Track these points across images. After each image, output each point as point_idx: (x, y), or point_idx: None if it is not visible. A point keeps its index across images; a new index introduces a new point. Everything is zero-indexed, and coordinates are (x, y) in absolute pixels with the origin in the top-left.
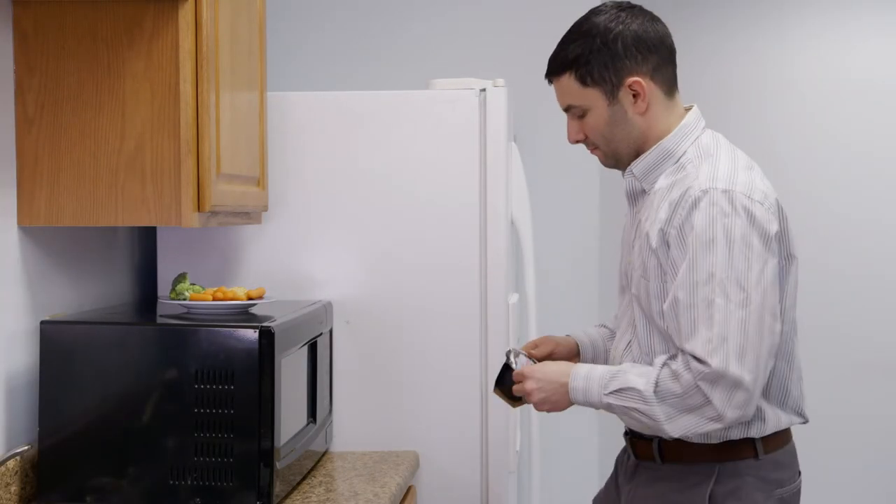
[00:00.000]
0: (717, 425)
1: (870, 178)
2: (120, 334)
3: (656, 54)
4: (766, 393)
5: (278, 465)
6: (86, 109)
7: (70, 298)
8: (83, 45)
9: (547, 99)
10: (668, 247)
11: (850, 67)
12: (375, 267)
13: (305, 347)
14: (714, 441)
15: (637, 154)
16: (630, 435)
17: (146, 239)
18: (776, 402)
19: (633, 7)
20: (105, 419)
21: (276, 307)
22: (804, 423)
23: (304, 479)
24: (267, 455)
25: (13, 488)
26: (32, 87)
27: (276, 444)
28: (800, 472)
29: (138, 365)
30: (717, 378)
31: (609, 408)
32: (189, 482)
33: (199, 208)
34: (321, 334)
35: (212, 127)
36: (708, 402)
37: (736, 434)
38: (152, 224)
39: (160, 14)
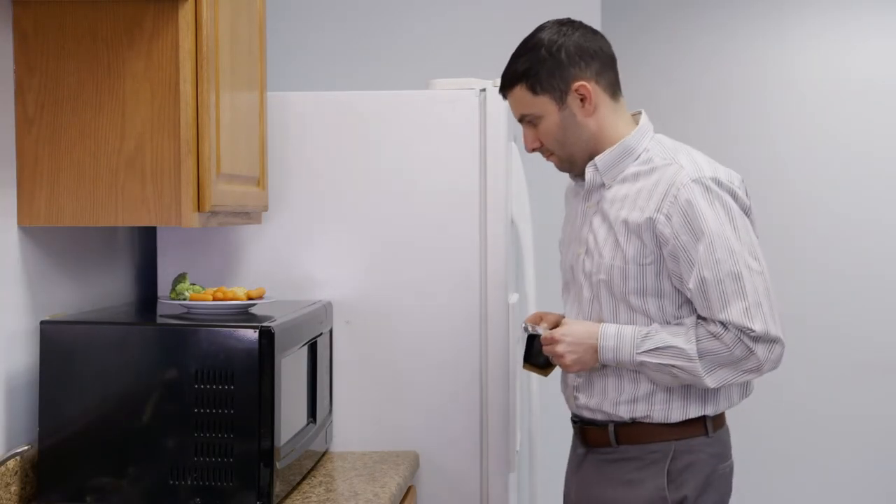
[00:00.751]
0: (754, 375)
1: (870, 178)
2: (120, 334)
3: (597, 60)
4: None
5: (278, 465)
6: (86, 109)
7: (70, 298)
8: (83, 45)
9: None
10: (662, 233)
11: (850, 67)
12: (375, 267)
13: (305, 347)
14: (674, 419)
15: (591, 155)
16: (580, 422)
17: (146, 239)
18: None
19: (572, 22)
20: (105, 419)
21: (276, 307)
22: (745, 397)
23: (304, 479)
24: (267, 455)
25: (13, 488)
26: (32, 87)
27: (276, 444)
28: (731, 450)
29: (138, 365)
30: (759, 338)
31: (641, 366)
32: (189, 482)
33: (199, 208)
34: (321, 334)
35: (212, 127)
36: (751, 353)
37: (694, 412)
38: (152, 224)
39: (160, 14)
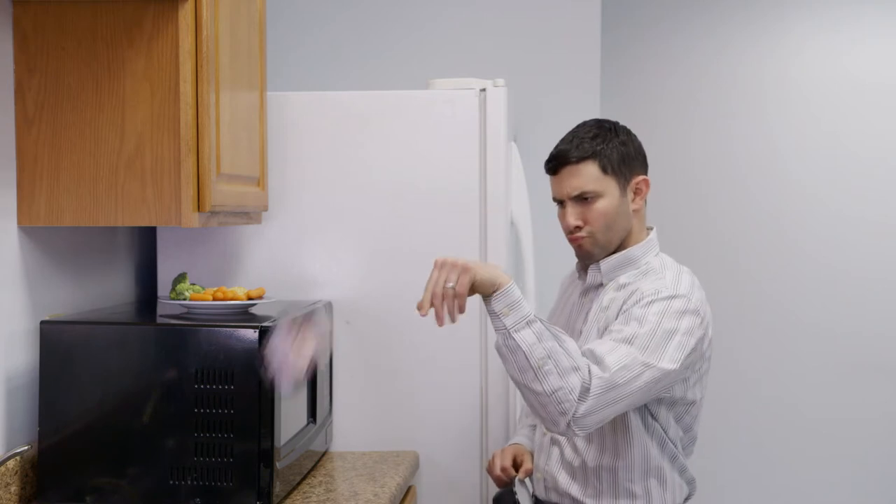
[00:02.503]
0: (563, 424)
1: (870, 178)
2: (120, 334)
3: (646, 165)
4: (673, 464)
5: (278, 465)
6: (86, 109)
7: (70, 298)
8: (83, 45)
9: (547, 99)
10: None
11: (850, 67)
12: (375, 267)
13: None
14: None
15: (619, 248)
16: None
17: (146, 239)
18: (678, 472)
19: (622, 126)
20: (105, 419)
21: (276, 307)
22: (691, 491)
23: (304, 479)
24: (267, 455)
25: (13, 488)
26: (32, 87)
27: (276, 444)
28: None
29: (138, 365)
30: (607, 389)
31: (531, 324)
32: (189, 482)
33: (199, 208)
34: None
35: (212, 127)
36: (577, 368)
37: (657, 502)
38: (152, 224)
39: (160, 14)
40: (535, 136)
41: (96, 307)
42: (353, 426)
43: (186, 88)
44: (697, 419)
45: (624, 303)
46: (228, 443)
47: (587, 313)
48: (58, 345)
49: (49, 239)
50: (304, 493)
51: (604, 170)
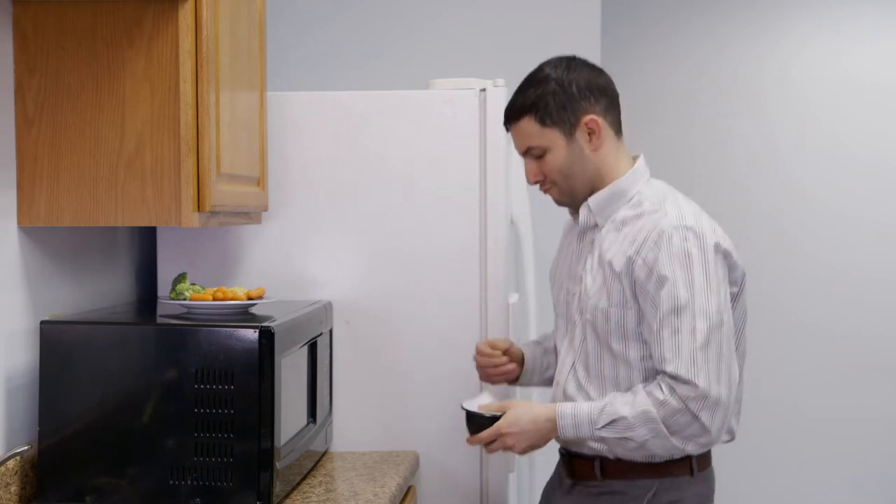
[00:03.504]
0: (703, 442)
1: (870, 178)
2: (120, 334)
3: (605, 97)
4: None
5: (278, 465)
6: (86, 109)
7: (70, 298)
8: (83, 45)
9: None
10: (638, 277)
11: (850, 67)
12: (375, 267)
13: (305, 347)
14: (657, 460)
15: (591, 191)
16: (567, 455)
17: (146, 239)
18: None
19: (576, 59)
20: (105, 419)
21: (276, 307)
22: (731, 440)
23: (304, 479)
24: (267, 455)
25: (13, 488)
26: (32, 87)
27: (276, 444)
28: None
29: (138, 365)
30: (702, 398)
31: (602, 441)
32: (189, 482)
33: (199, 208)
34: (321, 334)
35: (212, 127)
36: (696, 420)
37: (679, 453)
38: (152, 224)
39: (160, 14)
40: None
41: (96, 307)
42: (353, 426)
43: (186, 88)
44: (738, 364)
45: (633, 259)
46: (228, 443)
47: (586, 259)
48: (58, 345)
49: (49, 239)
50: (304, 493)
51: (542, 122)
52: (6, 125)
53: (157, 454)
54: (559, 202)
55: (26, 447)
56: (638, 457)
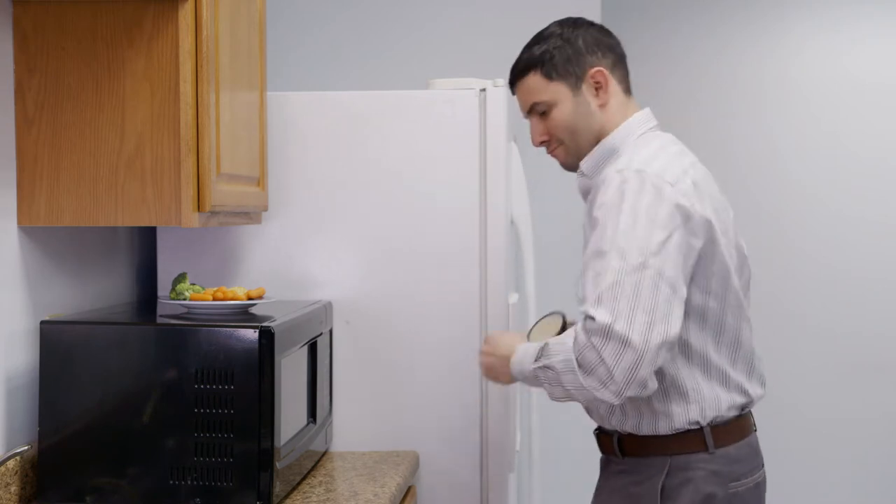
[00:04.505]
0: (610, 393)
1: (870, 178)
2: (120, 334)
3: (613, 54)
4: (706, 373)
5: (278, 465)
6: (86, 109)
7: (70, 298)
8: (83, 45)
9: None
10: (586, 229)
11: (851, 67)
12: (375, 267)
13: (305, 347)
14: (663, 432)
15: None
16: (598, 430)
17: (146, 239)
18: (718, 382)
19: (583, 19)
20: (105, 419)
21: (276, 307)
22: (748, 401)
23: (304, 479)
24: (267, 455)
25: (13, 488)
26: (32, 87)
27: (276, 444)
28: (762, 465)
29: (138, 365)
30: (603, 333)
31: (534, 377)
32: (189, 482)
33: (199, 208)
34: (321, 334)
35: (212, 127)
36: (601, 360)
37: (681, 420)
38: (152, 224)
39: (160, 14)
40: None
41: (96, 307)
42: (353, 426)
43: (186, 88)
44: (725, 319)
45: (587, 212)
46: (228, 443)
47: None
48: (58, 345)
49: (49, 239)
50: (304, 493)
51: (548, 76)
52: (6, 125)
53: (157, 454)
54: (566, 164)
55: (26, 447)
56: (560, 396)
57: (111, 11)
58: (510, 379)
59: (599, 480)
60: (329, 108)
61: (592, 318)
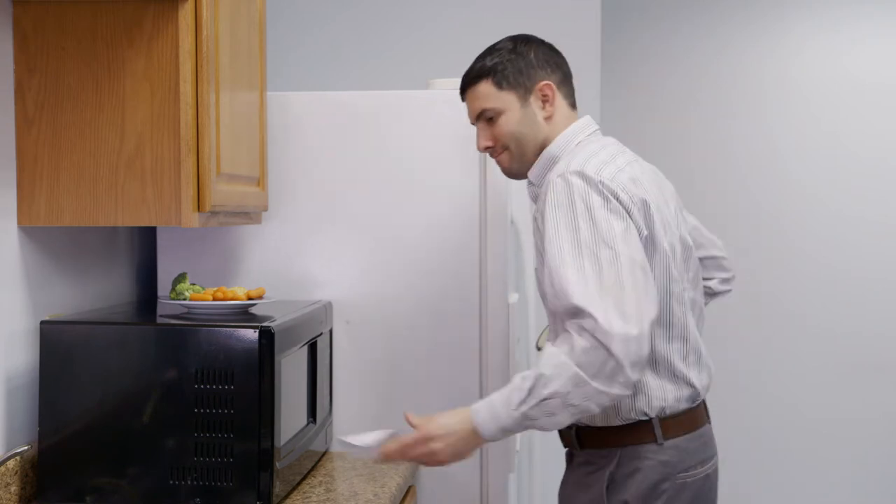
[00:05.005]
0: (622, 386)
1: (870, 178)
2: (120, 334)
3: (560, 71)
4: (654, 366)
5: (278, 465)
6: (86, 109)
7: (70, 298)
8: (83, 45)
9: None
10: (537, 231)
11: (851, 67)
12: (375, 267)
13: (305, 347)
14: (615, 423)
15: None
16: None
17: (146, 239)
18: (665, 374)
19: (534, 36)
20: (105, 419)
21: (276, 307)
22: (694, 393)
23: (304, 479)
24: (267, 455)
25: (13, 488)
26: (32, 87)
27: (276, 444)
28: (713, 456)
29: (138, 365)
30: (606, 329)
31: (528, 419)
32: (189, 482)
33: (199, 208)
34: (321, 334)
35: (212, 127)
36: (609, 356)
37: (627, 411)
38: (152, 224)
39: (160, 14)
40: None
41: (96, 307)
42: (353, 426)
43: (186, 88)
44: (672, 312)
45: (535, 216)
46: (228, 443)
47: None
48: (58, 345)
49: (49, 239)
50: (304, 493)
51: (498, 85)
52: (6, 125)
53: (157, 454)
54: (508, 171)
55: (26, 447)
56: (566, 421)
57: (111, 11)
58: (480, 446)
59: (564, 473)
60: (329, 108)
61: (593, 318)
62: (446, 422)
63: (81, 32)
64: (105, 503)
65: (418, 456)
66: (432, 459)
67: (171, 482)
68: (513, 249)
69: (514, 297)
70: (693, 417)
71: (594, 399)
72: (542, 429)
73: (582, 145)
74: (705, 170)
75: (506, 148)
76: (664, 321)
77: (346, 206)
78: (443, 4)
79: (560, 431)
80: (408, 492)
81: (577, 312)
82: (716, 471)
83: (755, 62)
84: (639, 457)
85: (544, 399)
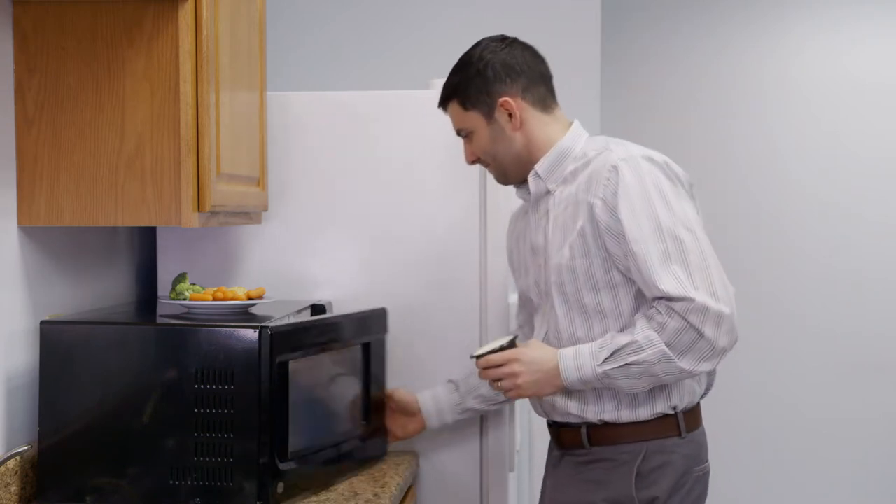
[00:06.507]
0: (711, 363)
1: (870, 178)
2: (120, 334)
3: (524, 77)
4: None
5: (282, 466)
6: (86, 109)
7: (70, 298)
8: (83, 45)
9: None
10: (600, 218)
11: (851, 67)
12: (375, 267)
13: (346, 352)
14: (643, 418)
15: (523, 166)
16: (554, 425)
17: (146, 239)
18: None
19: (506, 38)
20: (105, 419)
21: (276, 307)
22: (706, 387)
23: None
24: (266, 455)
25: (13, 488)
26: (32, 87)
27: (276, 444)
28: (707, 454)
29: (138, 365)
30: (701, 311)
31: (607, 377)
32: (189, 482)
33: (199, 208)
34: (368, 343)
35: (212, 127)
36: (700, 336)
37: (662, 407)
38: (152, 224)
39: (160, 14)
40: None
41: (96, 307)
42: None
43: (186, 88)
44: None
45: (591, 202)
46: (228, 443)
47: (544, 226)
48: (58, 345)
49: (49, 239)
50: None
51: (463, 106)
52: (6, 125)
53: (157, 454)
54: (497, 181)
55: (26, 447)
56: (645, 387)
57: (111, 11)
58: (557, 390)
59: (555, 473)
60: (329, 108)
61: (685, 300)
62: (535, 354)
63: (81, 32)
64: (105, 503)
65: (503, 374)
66: (512, 382)
67: (171, 482)
68: None
69: (513, 297)
70: (699, 412)
71: (677, 374)
72: (619, 389)
73: (604, 138)
74: (705, 170)
75: (486, 163)
76: None
77: (346, 206)
78: (443, 4)
79: (558, 430)
80: (408, 492)
81: (666, 295)
82: (709, 471)
83: (755, 62)
84: (664, 451)
85: (628, 364)
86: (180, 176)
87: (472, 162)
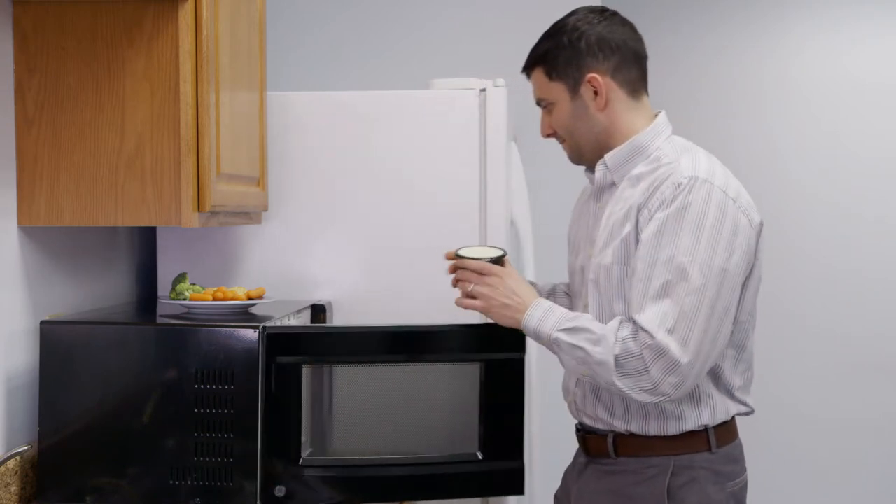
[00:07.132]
0: (649, 397)
1: (870, 178)
2: (120, 334)
3: (618, 54)
4: (716, 382)
5: (289, 468)
6: (86, 109)
7: (70, 298)
8: (83, 45)
9: None
10: (641, 227)
11: (851, 67)
12: (375, 267)
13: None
14: (671, 433)
15: (600, 150)
16: (582, 431)
17: (146, 239)
18: (725, 394)
19: (605, 11)
20: (105, 419)
21: (276, 307)
22: (749, 412)
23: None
24: (266, 455)
25: (13, 488)
26: (32, 87)
27: (277, 445)
28: (745, 467)
29: (138, 365)
30: (659, 354)
31: (555, 343)
32: (189, 482)
33: (199, 208)
34: (489, 361)
35: (212, 127)
36: (646, 370)
37: (691, 423)
38: (152, 224)
39: (160, 14)
40: (535, 136)
41: (96, 307)
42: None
43: (186, 88)
44: (748, 334)
45: (640, 209)
46: (228, 443)
47: (602, 219)
48: (58, 345)
49: (49, 239)
50: None
51: (549, 75)
52: (6, 125)
53: (157, 454)
54: (571, 159)
55: (26, 447)
56: (580, 372)
57: (111, 11)
58: (512, 324)
59: (580, 480)
60: (329, 108)
61: (648, 333)
62: (516, 285)
63: (81, 32)
64: (105, 503)
65: (481, 281)
66: (482, 292)
67: (171, 482)
68: (513, 249)
69: None
70: (734, 426)
71: (609, 386)
72: (560, 360)
73: (679, 142)
74: None
75: (563, 139)
76: (738, 344)
77: (346, 206)
78: (443, 4)
79: (586, 438)
80: None
81: (638, 322)
82: (747, 482)
83: (755, 62)
84: (694, 466)
85: (579, 346)
86: (180, 176)
87: (548, 135)
